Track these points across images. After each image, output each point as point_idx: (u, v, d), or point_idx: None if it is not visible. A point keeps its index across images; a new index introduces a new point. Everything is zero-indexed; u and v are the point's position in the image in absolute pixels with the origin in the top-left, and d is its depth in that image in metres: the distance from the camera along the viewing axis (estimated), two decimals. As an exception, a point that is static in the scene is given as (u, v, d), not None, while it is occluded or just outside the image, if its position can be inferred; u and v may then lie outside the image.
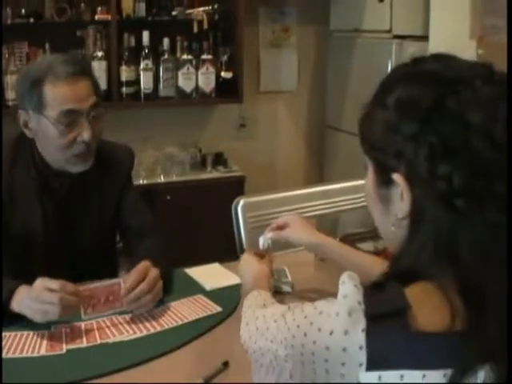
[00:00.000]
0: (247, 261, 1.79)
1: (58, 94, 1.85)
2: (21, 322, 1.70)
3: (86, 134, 1.88)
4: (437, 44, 3.12)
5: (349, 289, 0.95)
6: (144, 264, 1.81)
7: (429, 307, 0.94)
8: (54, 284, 1.66)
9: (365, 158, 1.06)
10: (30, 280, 1.71)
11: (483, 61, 1.00)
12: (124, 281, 1.76)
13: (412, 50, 3.49)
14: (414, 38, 3.63)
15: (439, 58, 1.01)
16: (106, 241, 2.15)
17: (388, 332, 0.91)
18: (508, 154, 0.89)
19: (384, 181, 1.01)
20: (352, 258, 1.72)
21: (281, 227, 1.83)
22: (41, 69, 1.88)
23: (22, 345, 1.64)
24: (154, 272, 1.80)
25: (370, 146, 1.03)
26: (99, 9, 3.68)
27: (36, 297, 1.66)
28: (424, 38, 3.52)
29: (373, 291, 0.96)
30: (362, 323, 0.91)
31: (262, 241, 1.83)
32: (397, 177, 0.97)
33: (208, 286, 1.99)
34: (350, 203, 2.61)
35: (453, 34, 3.12)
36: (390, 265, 1.04)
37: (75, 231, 2.05)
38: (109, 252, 2.20)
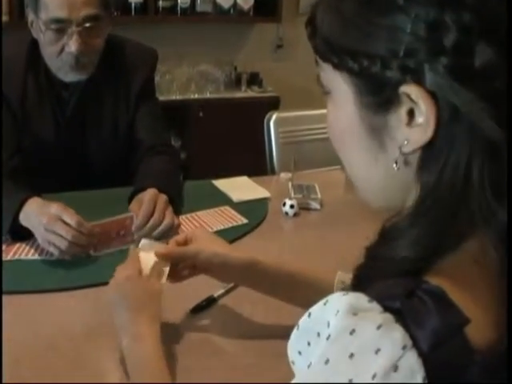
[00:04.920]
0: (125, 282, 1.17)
1: None
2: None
3: (73, 46, 1.77)
4: None
5: (371, 334, 0.59)
6: (151, 193, 1.70)
7: (477, 303, 0.63)
8: (71, 219, 1.53)
9: (326, 79, 0.73)
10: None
11: None
12: (134, 213, 1.66)
13: None
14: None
15: None
16: (120, 150, 2.04)
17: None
18: (508, 153, 0.59)
19: (380, 103, 0.67)
20: (304, 275, 1.22)
21: (181, 244, 1.26)
22: None
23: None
24: (162, 200, 1.69)
25: (348, 54, 0.67)
26: None
27: (47, 223, 1.53)
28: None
29: (409, 304, 0.60)
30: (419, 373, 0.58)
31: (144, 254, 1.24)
32: (409, 89, 0.63)
33: (235, 198, 1.95)
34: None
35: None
36: (392, 228, 0.70)
37: (88, 142, 2.00)
38: (124, 163, 2.07)
